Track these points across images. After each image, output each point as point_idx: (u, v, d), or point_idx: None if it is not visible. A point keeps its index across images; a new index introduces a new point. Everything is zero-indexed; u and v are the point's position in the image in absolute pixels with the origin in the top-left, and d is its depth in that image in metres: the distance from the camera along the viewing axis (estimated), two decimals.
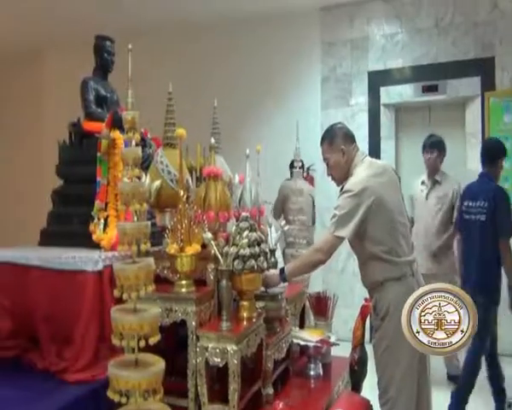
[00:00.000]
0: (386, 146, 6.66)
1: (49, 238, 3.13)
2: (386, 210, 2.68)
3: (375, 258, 2.69)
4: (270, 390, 2.67)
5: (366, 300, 3.17)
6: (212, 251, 2.51)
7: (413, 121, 6.76)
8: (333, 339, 3.13)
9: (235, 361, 2.28)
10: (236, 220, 2.73)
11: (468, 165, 6.26)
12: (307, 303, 3.52)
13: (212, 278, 2.58)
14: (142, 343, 1.89)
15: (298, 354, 3.27)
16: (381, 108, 6.65)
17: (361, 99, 6.74)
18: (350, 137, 2.89)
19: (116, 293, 1.92)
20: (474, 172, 6.11)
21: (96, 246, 2.87)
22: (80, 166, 3.13)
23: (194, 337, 2.38)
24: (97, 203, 2.96)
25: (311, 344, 3.02)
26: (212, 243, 2.47)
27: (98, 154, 2.98)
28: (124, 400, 1.86)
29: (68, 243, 2.99)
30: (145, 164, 3.04)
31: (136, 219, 1.97)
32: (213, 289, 2.57)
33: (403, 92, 6.52)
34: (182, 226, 2.45)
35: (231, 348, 2.29)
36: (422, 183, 4.94)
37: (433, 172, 4.87)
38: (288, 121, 6.22)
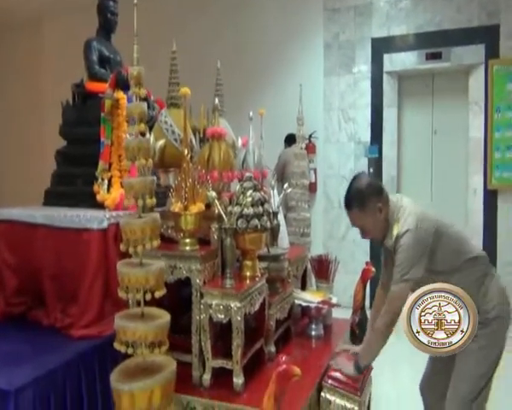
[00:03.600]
0: (389, 114, 6.65)
1: (53, 198, 3.14)
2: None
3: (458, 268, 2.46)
4: (273, 348, 2.71)
5: (367, 264, 3.21)
6: (216, 210, 2.52)
7: (416, 89, 6.73)
8: (334, 300, 3.17)
9: (239, 318, 2.32)
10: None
11: (470, 133, 6.26)
12: (309, 266, 3.55)
13: (215, 237, 2.60)
14: (148, 296, 1.91)
15: (299, 316, 3.31)
16: (384, 75, 6.61)
17: (364, 66, 6.70)
18: (380, 189, 2.57)
19: (122, 247, 1.94)
20: (476, 141, 6.15)
21: (100, 206, 2.88)
22: (84, 127, 3.12)
23: (199, 295, 2.41)
24: (101, 164, 2.97)
25: (312, 305, 3.06)
26: (216, 201, 2.49)
27: (102, 114, 2.98)
28: (130, 351, 1.89)
29: (72, 203, 3.01)
30: (148, 125, 3.03)
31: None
32: (217, 248, 2.58)
33: (406, 60, 6.48)
34: (186, 185, 2.45)
35: (235, 304, 2.32)
36: None
37: None
38: (291, 87, 6.16)
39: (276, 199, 3.23)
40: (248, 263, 2.60)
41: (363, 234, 2.62)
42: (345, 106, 6.80)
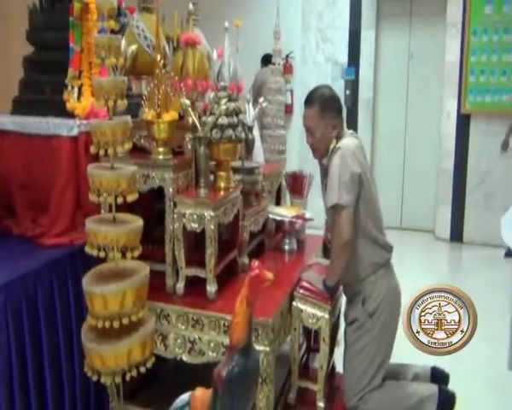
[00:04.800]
0: (367, 35, 6.55)
1: (21, 107, 3.01)
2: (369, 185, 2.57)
3: (365, 237, 2.56)
4: (246, 260, 2.72)
5: None
6: (190, 120, 2.47)
7: (394, 11, 6.62)
8: (308, 216, 3.18)
9: (212, 227, 2.31)
10: None
11: (446, 56, 6.19)
12: (283, 183, 3.54)
13: (189, 147, 2.55)
14: (120, 200, 1.88)
15: (273, 232, 3.32)
16: None
17: None
18: (341, 112, 2.65)
19: (92, 149, 1.90)
20: (452, 64, 6.10)
21: (71, 115, 2.79)
22: (52, 32, 2.95)
23: (172, 204, 2.38)
24: (71, 71, 2.84)
25: (286, 219, 3.06)
26: (190, 110, 2.43)
27: (70, 18, 2.83)
28: (102, 254, 1.88)
29: (42, 111, 2.88)
30: (120, 33, 2.91)
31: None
32: (191, 158, 2.54)
33: None
34: (159, 92, 2.38)
35: (208, 213, 2.31)
36: None
37: None
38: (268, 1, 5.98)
39: (251, 113, 3.18)
40: (222, 174, 2.56)
41: (309, 138, 2.66)
42: (323, 26, 6.65)
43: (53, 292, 2.23)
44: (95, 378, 1.90)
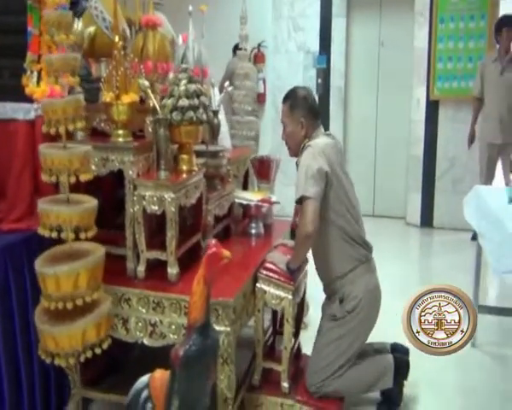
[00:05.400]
0: (338, 24, 6.56)
1: None
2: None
3: (341, 236, 2.59)
4: None
5: None
6: (151, 102, 2.44)
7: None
8: (274, 199, 3.17)
9: (173, 209, 2.29)
10: None
11: (414, 43, 6.24)
12: (251, 170, 3.53)
13: (150, 130, 2.52)
14: (73, 179, 1.85)
15: (241, 217, 3.31)
16: None
17: None
18: (314, 114, 2.72)
19: (44, 128, 1.87)
20: (420, 52, 6.14)
21: (30, 100, 2.73)
22: (9, 16, 2.89)
23: (132, 187, 2.34)
24: (29, 55, 2.77)
25: (252, 203, 3.05)
26: (149, 91, 2.40)
27: (28, 1, 2.77)
28: (54, 234, 1.85)
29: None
30: (78, 15, 2.85)
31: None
32: (152, 141, 2.51)
33: None
34: (117, 74, 2.33)
35: (168, 195, 2.28)
36: (495, 60, 5.38)
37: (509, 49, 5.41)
38: None
39: (216, 98, 3.16)
40: (184, 157, 2.54)
41: (283, 133, 2.79)
42: (294, 14, 6.64)
43: (7, 277, 2.17)
44: (49, 361, 1.88)
